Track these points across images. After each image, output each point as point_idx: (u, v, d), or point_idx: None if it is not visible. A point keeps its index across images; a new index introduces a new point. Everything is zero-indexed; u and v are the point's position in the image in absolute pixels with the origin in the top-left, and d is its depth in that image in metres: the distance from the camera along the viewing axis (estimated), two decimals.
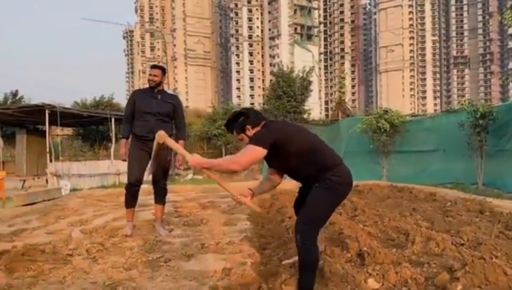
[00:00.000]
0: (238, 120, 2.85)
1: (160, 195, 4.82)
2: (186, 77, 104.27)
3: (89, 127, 19.08)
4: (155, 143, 3.37)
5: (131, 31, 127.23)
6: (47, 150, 12.87)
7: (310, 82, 13.88)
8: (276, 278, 2.94)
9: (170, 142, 3.26)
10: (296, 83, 12.98)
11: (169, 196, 8.06)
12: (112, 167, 13.53)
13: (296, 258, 2.87)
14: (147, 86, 4.74)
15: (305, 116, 14.07)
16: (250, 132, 2.78)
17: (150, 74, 4.64)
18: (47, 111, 12.47)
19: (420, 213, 5.00)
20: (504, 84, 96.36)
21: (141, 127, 4.55)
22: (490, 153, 9.43)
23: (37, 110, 13.01)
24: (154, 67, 4.72)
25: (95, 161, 13.77)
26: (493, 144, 9.43)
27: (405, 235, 3.98)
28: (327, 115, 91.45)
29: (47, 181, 12.26)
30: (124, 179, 4.90)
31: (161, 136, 3.28)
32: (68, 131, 21.72)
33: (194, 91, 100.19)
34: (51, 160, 12.98)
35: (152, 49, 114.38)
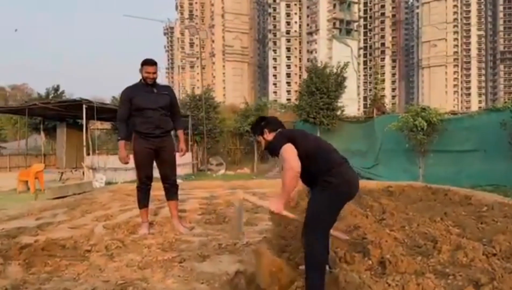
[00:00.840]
0: (260, 124, 3.08)
1: (171, 191, 4.77)
2: (223, 73, 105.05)
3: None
4: (236, 206, 3.29)
5: (172, 28, 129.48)
6: (84, 143, 13.25)
7: (344, 78, 13.53)
8: (289, 285, 2.82)
9: (251, 199, 3.29)
10: (330, 79, 12.70)
11: (196, 192, 8.13)
12: None
13: None
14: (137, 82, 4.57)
15: (338, 112, 13.76)
16: (267, 136, 3.00)
17: (147, 72, 4.42)
18: (84, 106, 12.82)
19: (452, 218, 4.71)
20: None
21: (145, 124, 4.42)
22: None
23: (76, 105, 13.42)
24: (149, 63, 4.46)
25: (130, 155, 14.03)
26: None
27: (433, 242, 3.75)
28: (365, 112, 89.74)
29: (83, 173, 12.63)
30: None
31: (239, 198, 3.20)
32: (107, 125, 22.32)
33: (232, 87, 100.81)
34: (88, 154, 13.36)
35: (191, 45, 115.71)
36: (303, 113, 13.35)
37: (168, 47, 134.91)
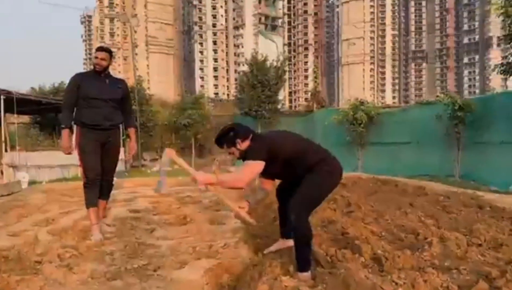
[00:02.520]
0: (228, 135, 3.03)
1: (105, 189, 4.39)
2: (147, 65, 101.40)
3: (47, 114, 17.89)
4: (163, 158, 3.37)
5: (90, 16, 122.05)
6: (2, 139, 11.85)
7: (284, 71, 13.53)
8: None
9: (178, 160, 3.25)
10: (270, 72, 12.59)
11: (141, 190, 7.54)
12: (74, 157, 12.63)
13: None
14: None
15: (279, 106, 13.74)
16: (241, 145, 2.99)
17: (96, 58, 4.14)
18: (2, 97, 11.44)
19: (419, 208, 4.75)
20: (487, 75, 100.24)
21: (93, 115, 4.08)
22: (466, 145, 9.49)
23: None
24: (101, 49, 4.21)
25: (55, 151, 12.84)
26: (469, 136, 9.48)
27: (414, 235, 3.69)
28: (290, 107, 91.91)
29: (2, 172, 11.29)
30: None
31: (169, 153, 3.28)
32: (24, 119, 20.29)
33: (156, 79, 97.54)
34: (6, 150, 11.98)
35: (112, 35, 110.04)
36: (244, 106, 13.15)
37: (85, 36, 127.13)
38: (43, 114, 18.00)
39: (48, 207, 5.80)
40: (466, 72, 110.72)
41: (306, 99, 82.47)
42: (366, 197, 5.83)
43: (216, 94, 76.74)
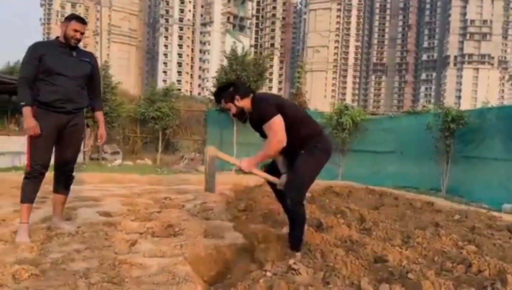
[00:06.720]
0: (228, 90, 3.07)
1: (65, 183, 3.78)
2: (108, 54, 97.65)
3: None
4: (206, 158, 3.18)
5: None
6: None
7: (265, 68, 12.81)
8: None
9: (220, 154, 3.15)
10: (250, 68, 11.84)
11: (109, 188, 6.52)
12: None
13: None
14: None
15: None
16: (239, 102, 3.02)
17: (76, 30, 3.45)
18: None
19: (447, 229, 4.13)
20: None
21: (53, 94, 3.42)
22: (455, 158, 9.14)
23: None
24: (79, 20, 3.52)
25: (7, 136, 11.39)
26: (458, 150, 9.14)
27: (465, 266, 3.04)
28: None
29: None
30: None
31: (212, 151, 3.11)
32: None
33: (117, 70, 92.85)
34: None
35: None
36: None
37: (44, 20, 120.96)
38: None
39: None
40: (423, 88, 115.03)
41: None
42: (373, 211, 5.16)
43: (179, 89, 74.56)
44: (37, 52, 3.41)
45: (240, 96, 3.00)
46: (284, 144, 2.85)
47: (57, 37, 3.54)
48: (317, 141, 2.98)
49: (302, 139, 2.95)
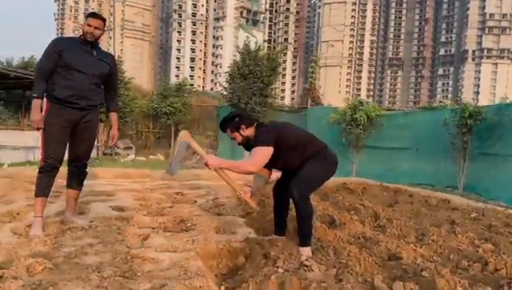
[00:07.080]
0: (233, 121, 3.21)
1: (78, 178, 3.81)
2: (121, 50, 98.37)
3: (14, 90, 16.41)
4: (178, 140, 3.25)
5: None
6: None
7: (279, 63, 12.72)
8: None
9: (193, 143, 3.22)
10: (263, 63, 11.76)
11: (122, 183, 6.57)
12: None
13: None
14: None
15: (270, 100, 12.85)
16: (245, 131, 3.18)
17: (90, 25, 3.52)
18: None
19: (463, 227, 4.04)
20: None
21: (68, 89, 3.47)
22: (472, 155, 8.95)
23: None
24: (95, 16, 3.60)
25: (21, 131, 11.56)
26: (475, 146, 8.94)
27: (481, 264, 2.97)
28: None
29: None
30: None
31: (184, 136, 3.21)
32: None
33: (130, 65, 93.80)
34: None
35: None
36: (234, 98, 12.16)
37: (58, 15, 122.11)
38: (9, 90, 16.51)
39: (11, 197, 4.76)
40: (440, 84, 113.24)
41: (282, 98, 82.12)
42: (387, 208, 5.09)
43: (192, 85, 74.94)
44: (57, 47, 3.48)
45: (246, 125, 3.17)
46: (255, 172, 3.16)
47: (81, 35, 3.60)
48: (324, 154, 3.18)
49: (310, 155, 3.12)
